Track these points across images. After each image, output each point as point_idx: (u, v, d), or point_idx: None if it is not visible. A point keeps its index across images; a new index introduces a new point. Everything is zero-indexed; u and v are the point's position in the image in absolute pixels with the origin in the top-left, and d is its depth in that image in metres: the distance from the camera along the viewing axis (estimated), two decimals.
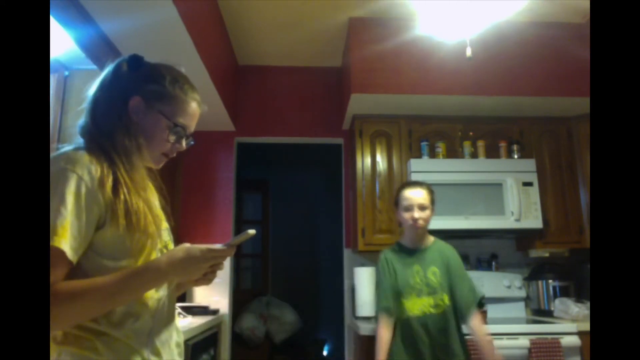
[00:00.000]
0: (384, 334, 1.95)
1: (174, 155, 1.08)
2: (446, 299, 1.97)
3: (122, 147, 0.96)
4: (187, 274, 0.96)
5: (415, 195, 2.02)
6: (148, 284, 0.92)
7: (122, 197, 0.92)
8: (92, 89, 1.04)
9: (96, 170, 0.91)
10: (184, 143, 1.07)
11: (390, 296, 1.99)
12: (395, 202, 2.12)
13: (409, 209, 2.01)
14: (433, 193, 2.07)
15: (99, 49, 2.05)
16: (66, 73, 2.30)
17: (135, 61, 1.05)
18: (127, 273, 0.90)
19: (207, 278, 1.06)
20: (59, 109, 2.24)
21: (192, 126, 1.08)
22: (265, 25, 2.99)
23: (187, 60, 2.29)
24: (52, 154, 0.91)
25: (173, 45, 2.16)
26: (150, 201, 1.01)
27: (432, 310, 1.96)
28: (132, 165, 0.97)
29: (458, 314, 1.98)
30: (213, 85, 2.62)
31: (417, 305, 1.97)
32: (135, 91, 1.01)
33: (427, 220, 2.03)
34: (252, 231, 0.98)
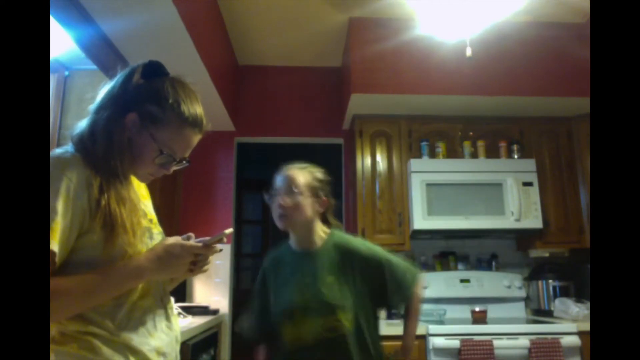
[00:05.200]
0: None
1: (160, 176, 1.06)
2: (347, 316, 1.39)
3: (109, 158, 0.95)
4: (166, 271, 0.97)
5: (285, 174, 1.50)
6: (128, 281, 0.93)
7: (102, 205, 0.91)
8: (102, 92, 1.02)
9: (84, 175, 0.91)
10: (171, 168, 1.05)
11: (261, 322, 1.53)
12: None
13: (274, 195, 1.49)
14: (315, 177, 1.52)
15: (99, 49, 2.05)
16: (66, 73, 2.30)
17: (151, 70, 1.02)
18: (107, 270, 0.90)
19: (191, 272, 1.03)
20: (59, 109, 2.25)
21: (185, 152, 1.04)
22: (265, 25, 2.99)
23: (187, 60, 2.29)
24: None
25: (173, 45, 2.16)
26: (137, 211, 1.00)
27: (326, 334, 1.38)
28: (116, 177, 0.96)
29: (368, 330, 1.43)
30: (213, 85, 2.62)
31: (303, 330, 1.40)
32: (135, 107, 0.98)
33: (295, 210, 1.44)
34: (228, 230, 1.00)
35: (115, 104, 0.98)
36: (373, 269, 1.46)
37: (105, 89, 1.02)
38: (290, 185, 1.46)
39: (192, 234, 1.03)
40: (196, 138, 1.05)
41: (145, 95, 0.99)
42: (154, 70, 1.03)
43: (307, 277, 1.45)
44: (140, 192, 1.11)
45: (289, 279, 1.48)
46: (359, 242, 1.53)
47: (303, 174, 1.49)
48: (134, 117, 0.98)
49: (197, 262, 1.00)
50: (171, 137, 1.00)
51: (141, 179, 1.06)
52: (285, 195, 1.45)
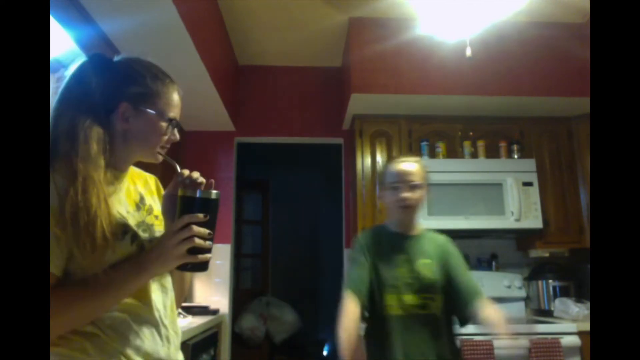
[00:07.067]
0: (352, 310, 1.54)
1: (169, 145, 1.06)
2: (439, 299, 1.61)
3: (94, 161, 0.91)
4: (163, 256, 0.91)
5: (406, 168, 1.69)
6: (129, 282, 0.91)
7: (70, 195, 0.86)
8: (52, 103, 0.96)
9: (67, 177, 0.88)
10: (177, 133, 1.06)
11: (363, 288, 1.60)
12: (380, 181, 1.82)
13: (396, 187, 1.67)
14: (426, 169, 1.76)
15: (99, 49, 2.04)
16: (66, 73, 2.30)
17: (101, 63, 1.01)
18: (107, 271, 0.89)
19: (198, 259, 0.94)
20: None
21: (179, 113, 1.07)
22: (265, 25, 2.99)
23: (187, 60, 2.29)
24: None
25: (173, 46, 2.16)
26: (116, 210, 0.96)
27: (419, 310, 1.59)
28: (91, 178, 0.89)
29: (457, 313, 1.64)
30: (213, 85, 2.61)
31: (400, 303, 1.60)
32: (118, 98, 0.97)
33: (418, 201, 1.68)
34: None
35: (90, 109, 0.95)
36: (457, 268, 1.66)
37: (55, 101, 0.97)
38: (413, 178, 1.68)
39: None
40: (179, 95, 1.07)
41: (121, 82, 0.99)
42: (104, 63, 1.02)
43: (408, 255, 1.66)
44: (148, 187, 1.11)
45: (392, 256, 1.67)
46: (448, 241, 1.76)
47: (420, 168, 1.72)
48: (125, 105, 0.97)
49: (195, 246, 0.92)
50: (166, 104, 1.02)
51: (153, 157, 1.04)
52: (410, 188, 1.66)
